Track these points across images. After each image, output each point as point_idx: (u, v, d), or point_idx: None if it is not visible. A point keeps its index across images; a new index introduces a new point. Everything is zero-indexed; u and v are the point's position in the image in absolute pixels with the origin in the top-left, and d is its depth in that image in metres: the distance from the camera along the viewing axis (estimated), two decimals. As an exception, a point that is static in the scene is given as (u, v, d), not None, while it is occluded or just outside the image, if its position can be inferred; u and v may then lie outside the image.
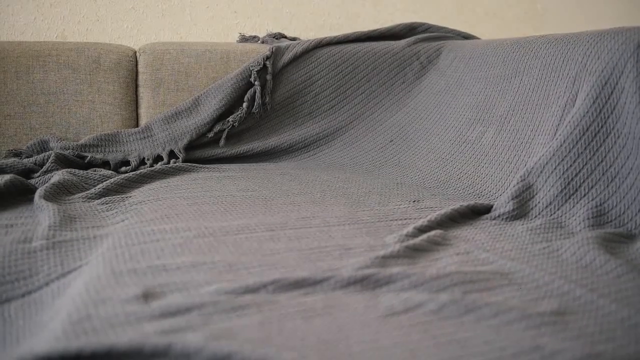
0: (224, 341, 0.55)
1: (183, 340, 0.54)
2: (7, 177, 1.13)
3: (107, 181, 1.22)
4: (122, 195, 1.17)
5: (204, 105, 1.56)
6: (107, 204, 1.11)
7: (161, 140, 1.52)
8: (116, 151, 1.49)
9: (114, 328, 0.57)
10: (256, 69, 1.57)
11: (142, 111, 1.61)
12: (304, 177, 1.34)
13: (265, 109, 1.60)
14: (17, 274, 0.77)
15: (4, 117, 1.50)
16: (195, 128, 1.54)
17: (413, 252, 0.81)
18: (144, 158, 1.50)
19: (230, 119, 1.56)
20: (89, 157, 1.43)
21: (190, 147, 1.55)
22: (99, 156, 1.45)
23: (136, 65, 1.61)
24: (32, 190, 1.16)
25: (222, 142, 1.55)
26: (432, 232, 0.88)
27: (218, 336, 0.56)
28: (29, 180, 1.24)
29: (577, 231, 0.93)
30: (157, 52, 1.61)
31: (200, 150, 1.56)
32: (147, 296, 0.65)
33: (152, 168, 1.37)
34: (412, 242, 0.83)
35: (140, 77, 1.60)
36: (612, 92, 1.02)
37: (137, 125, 1.61)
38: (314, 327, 0.59)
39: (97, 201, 1.12)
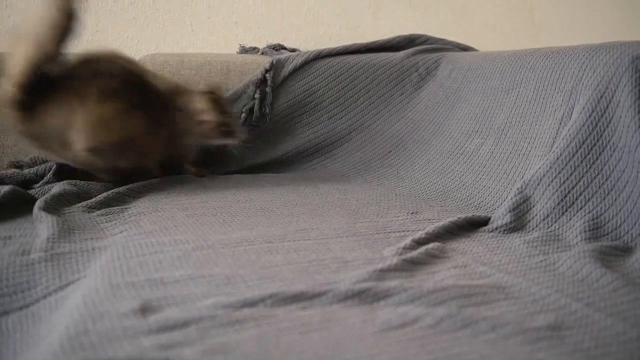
0: (221, 356, 0.55)
1: (180, 355, 0.54)
2: (6, 188, 1.13)
3: (107, 192, 1.22)
4: (122, 206, 1.17)
5: None
6: (106, 215, 1.11)
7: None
8: None
9: (111, 343, 0.57)
10: (257, 83, 1.59)
11: (142, 122, 1.61)
12: (304, 188, 1.35)
13: (264, 120, 1.61)
14: (15, 287, 0.78)
15: (3, 127, 1.50)
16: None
17: (410, 266, 0.81)
18: None
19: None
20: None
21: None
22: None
23: (136, 76, 1.62)
24: (31, 201, 1.17)
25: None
26: (430, 245, 0.88)
27: (215, 351, 0.56)
28: (29, 191, 1.24)
29: (573, 244, 0.93)
30: (157, 63, 1.61)
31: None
32: (144, 310, 0.65)
33: (152, 180, 1.39)
34: (409, 255, 0.84)
35: (140, 88, 1.61)
36: (607, 106, 1.02)
37: (136, 135, 1.61)
38: (311, 342, 0.60)
39: (97, 212, 1.12)
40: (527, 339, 0.61)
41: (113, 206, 1.16)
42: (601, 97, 1.03)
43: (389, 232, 0.99)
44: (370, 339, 0.60)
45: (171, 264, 0.80)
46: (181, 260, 0.81)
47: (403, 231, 1.00)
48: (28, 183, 1.33)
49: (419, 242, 0.91)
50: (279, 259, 0.83)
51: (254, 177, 1.51)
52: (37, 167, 1.40)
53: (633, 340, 0.61)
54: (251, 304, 0.67)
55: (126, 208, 1.16)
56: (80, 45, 1.74)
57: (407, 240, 0.90)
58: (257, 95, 1.58)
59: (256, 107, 1.58)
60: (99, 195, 1.20)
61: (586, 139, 1.02)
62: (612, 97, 1.02)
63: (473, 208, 1.16)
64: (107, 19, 1.77)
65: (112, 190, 1.22)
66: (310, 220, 1.05)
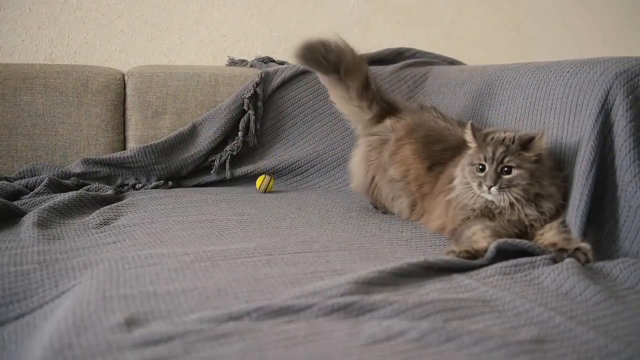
0: (206, 370, 0.55)
1: (164, 369, 0.54)
2: (-8, 200, 1.13)
3: (102, 208, 1.23)
4: (115, 216, 1.17)
5: (200, 137, 1.58)
6: (100, 225, 1.11)
7: (158, 171, 1.54)
8: (110, 176, 1.52)
9: (95, 357, 0.57)
10: (247, 97, 1.59)
11: (130, 134, 1.61)
12: (301, 200, 1.36)
13: (256, 136, 1.62)
14: (11, 297, 0.78)
15: (-10, 139, 1.49)
16: (192, 162, 1.57)
17: (396, 278, 0.81)
18: (135, 184, 1.52)
19: (228, 148, 1.59)
20: (85, 187, 1.43)
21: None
22: (94, 185, 1.45)
23: (124, 88, 1.62)
24: (17, 214, 1.16)
25: (214, 170, 1.58)
26: (414, 260, 0.88)
27: (199, 365, 0.56)
28: (17, 202, 1.24)
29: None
30: (145, 75, 1.61)
31: (196, 176, 1.59)
32: (130, 324, 0.64)
33: (146, 190, 1.41)
34: (397, 265, 0.83)
35: (128, 100, 1.61)
36: (596, 120, 1.02)
37: (124, 147, 1.61)
38: (296, 356, 0.60)
39: (90, 223, 1.12)
40: (511, 352, 0.61)
41: (106, 216, 1.16)
42: (588, 113, 1.03)
43: (397, 246, 0.99)
44: (355, 353, 0.61)
45: (168, 276, 0.80)
46: (178, 272, 0.81)
47: (409, 242, 1.01)
48: (17, 195, 1.33)
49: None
50: (276, 272, 0.83)
51: (249, 189, 1.52)
52: (28, 179, 1.39)
53: (614, 354, 0.61)
54: (237, 317, 0.66)
55: (119, 219, 1.16)
56: (67, 57, 1.74)
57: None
58: (250, 111, 1.59)
59: (252, 123, 1.59)
60: (93, 209, 1.21)
61: (578, 155, 1.02)
62: (600, 113, 1.02)
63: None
64: (95, 31, 1.77)
65: (109, 206, 1.23)
66: (310, 232, 1.06)
